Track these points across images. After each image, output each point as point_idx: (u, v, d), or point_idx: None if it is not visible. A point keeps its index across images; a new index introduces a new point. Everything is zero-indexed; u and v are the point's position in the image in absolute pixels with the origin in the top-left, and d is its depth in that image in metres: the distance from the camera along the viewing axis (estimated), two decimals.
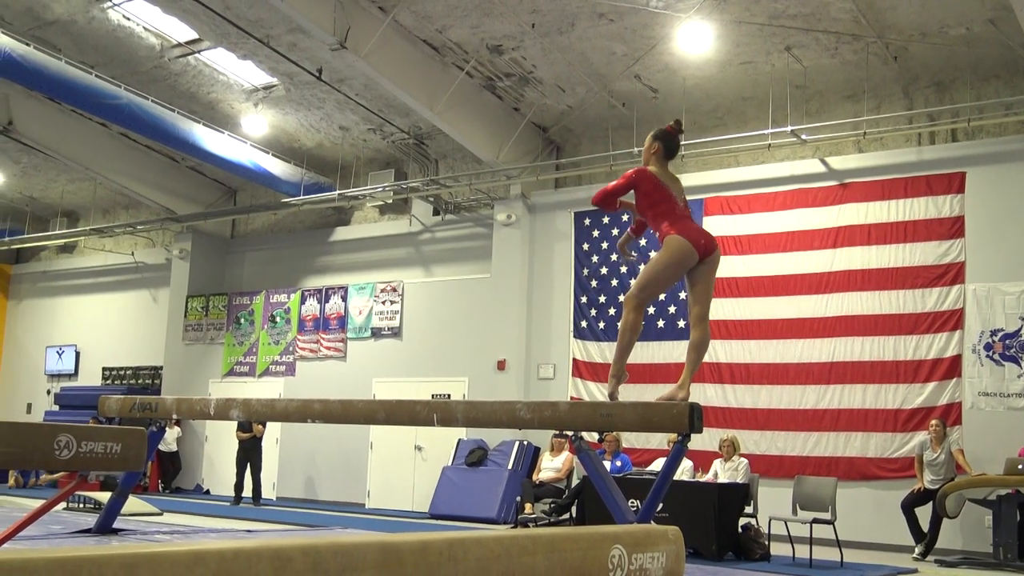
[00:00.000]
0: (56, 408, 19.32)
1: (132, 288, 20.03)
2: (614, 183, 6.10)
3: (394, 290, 16.10)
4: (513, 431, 13.29)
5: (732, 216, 13.05)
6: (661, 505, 6.79)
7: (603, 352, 13.51)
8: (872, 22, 11.31)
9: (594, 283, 14.11)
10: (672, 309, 13.18)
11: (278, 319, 17.33)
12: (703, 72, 12.81)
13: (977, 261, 11.49)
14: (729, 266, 12.88)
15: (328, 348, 16.67)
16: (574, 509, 11.44)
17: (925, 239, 11.79)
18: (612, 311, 13.81)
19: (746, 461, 10.86)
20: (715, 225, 12.97)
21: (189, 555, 1.84)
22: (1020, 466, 9.76)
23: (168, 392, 17.46)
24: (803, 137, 12.45)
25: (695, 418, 5.33)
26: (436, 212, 16.13)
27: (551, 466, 12.78)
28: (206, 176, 18.55)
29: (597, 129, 14.40)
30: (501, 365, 14.34)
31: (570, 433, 5.99)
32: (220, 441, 17.19)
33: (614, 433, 11.71)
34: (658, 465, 11.03)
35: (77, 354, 20.45)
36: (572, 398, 13.54)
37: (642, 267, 6.22)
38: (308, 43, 13.40)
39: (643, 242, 13.25)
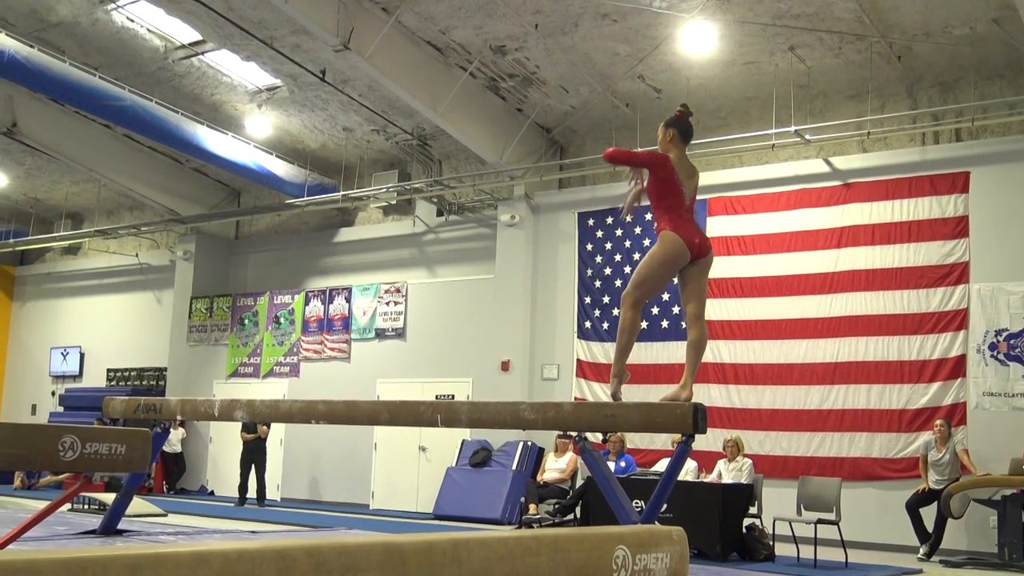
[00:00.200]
0: (61, 409, 19.35)
1: (136, 289, 20.05)
2: (635, 152, 6.08)
3: (398, 291, 16.11)
4: (517, 432, 13.27)
5: (736, 216, 13.04)
6: (665, 506, 6.78)
7: (607, 352, 13.50)
8: (876, 22, 11.30)
9: (598, 283, 14.10)
10: (675, 309, 13.17)
11: (282, 320, 17.34)
12: (707, 72, 12.80)
13: (981, 261, 11.47)
14: (733, 266, 12.88)
15: (332, 349, 16.68)
16: (578, 510, 11.44)
17: (929, 239, 11.78)
18: (616, 311, 13.78)
19: (750, 461, 10.85)
20: (719, 225, 12.99)
21: (193, 556, 1.85)
22: None
23: (172, 393, 17.48)
24: (807, 137, 12.44)
25: (699, 418, 5.33)
26: (440, 213, 16.13)
27: (555, 467, 12.78)
28: (210, 177, 18.57)
29: (601, 130, 14.40)
30: (505, 366, 14.34)
31: (574, 434, 5.99)
32: (224, 442, 17.21)
33: (618, 434, 11.72)
34: (662, 466, 11.03)
35: (81, 355, 20.48)
36: (576, 399, 13.54)
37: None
38: (311, 44, 13.41)
39: (646, 242, 13.25)
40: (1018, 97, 11.49)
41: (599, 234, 14.20)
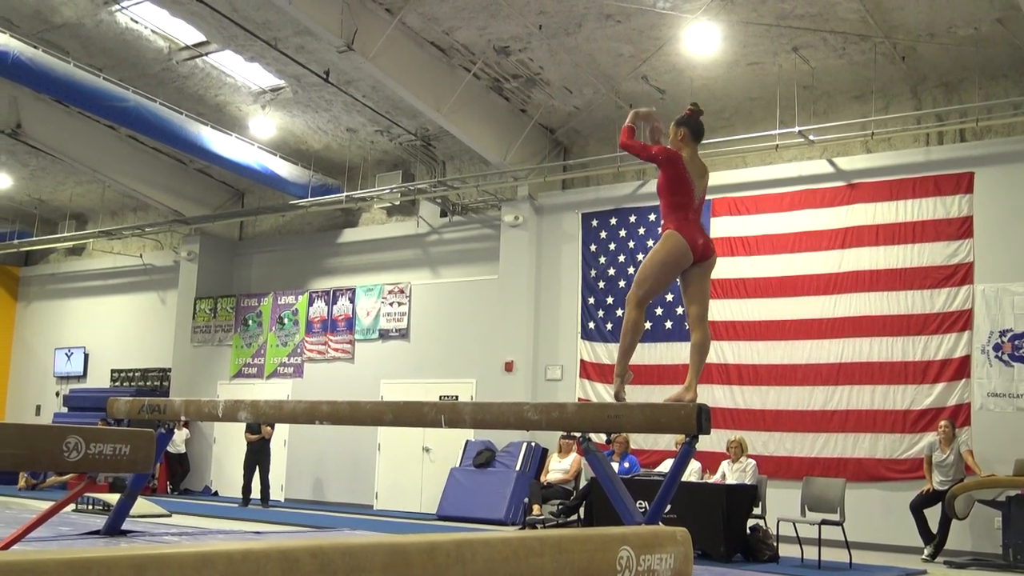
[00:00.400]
0: (65, 410, 19.37)
1: (140, 290, 20.08)
2: (648, 145, 5.96)
3: (402, 291, 16.11)
4: (521, 432, 13.30)
5: (740, 217, 13.03)
6: (669, 506, 6.78)
7: (611, 353, 13.49)
8: (880, 22, 11.29)
9: (601, 284, 14.10)
10: (679, 310, 13.15)
11: (286, 321, 17.36)
12: (710, 73, 12.79)
13: (986, 261, 11.46)
14: (737, 267, 12.88)
15: (336, 350, 16.69)
16: (582, 510, 11.44)
17: (934, 239, 11.76)
18: (619, 312, 13.79)
19: (754, 462, 10.84)
20: (723, 226, 12.98)
21: (197, 556, 1.85)
22: None
23: (176, 394, 17.50)
24: (811, 138, 12.43)
25: (703, 419, 5.33)
26: (443, 213, 16.13)
27: (559, 467, 12.77)
28: (214, 178, 18.59)
29: (604, 130, 14.39)
30: (509, 366, 14.34)
31: (578, 434, 6.00)
32: (228, 443, 17.22)
33: (622, 434, 11.71)
34: (666, 466, 11.03)
35: (86, 356, 20.51)
36: (580, 399, 13.53)
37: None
38: (315, 45, 13.42)
39: (649, 242, 13.25)
40: (1022, 97, 11.47)
41: (603, 235, 14.19)
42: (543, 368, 14.37)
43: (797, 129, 12.23)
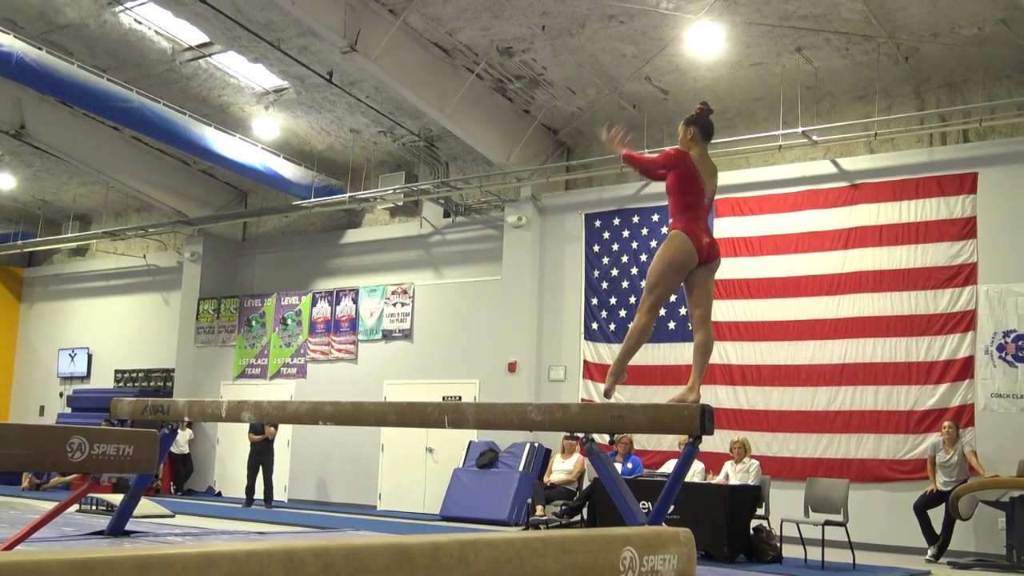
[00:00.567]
0: (69, 410, 19.39)
1: (144, 291, 20.10)
2: (653, 156, 6.02)
3: (405, 292, 16.12)
4: (524, 433, 13.29)
5: (743, 217, 13.03)
6: (672, 507, 6.78)
7: (614, 354, 13.37)
8: (883, 22, 11.28)
9: (604, 285, 14.10)
10: (683, 311, 13.14)
11: (289, 321, 17.37)
12: (713, 73, 12.79)
13: (989, 262, 11.44)
14: (740, 268, 12.87)
15: (339, 350, 16.70)
16: (585, 511, 11.44)
17: (937, 240, 11.75)
18: (623, 313, 13.80)
19: (757, 463, 10.84)
20: (726, 226, 12.97)
21: (201, 557, 1.85)
22: None
23: (180, 394, 17.52)
24: (814, 138, 12.42)
25: (706, 420, 5.32)
26: (447, 214, 16.14)
27: (562, 468, 12.77)
28: (217, 179, 18.61)
29: None
30: (512, 367, 14.34)
31: (581, 435, 5.99)
32: (232, 443, 17.24)
33: (625, 435, 11.71)
34: (669, 467, 11.02)
35: (89, 356, 20.53)
36: (583, 400, 13.53)
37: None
38: (319, 46, 13.43)
39: (653, 243, 13.24)
40: None
41: (606, 235, 14.19)
42: (546, 369, 14.37)
43: (800, 129, 12.22)
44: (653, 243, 13.37)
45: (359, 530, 11.27)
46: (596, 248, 14.26)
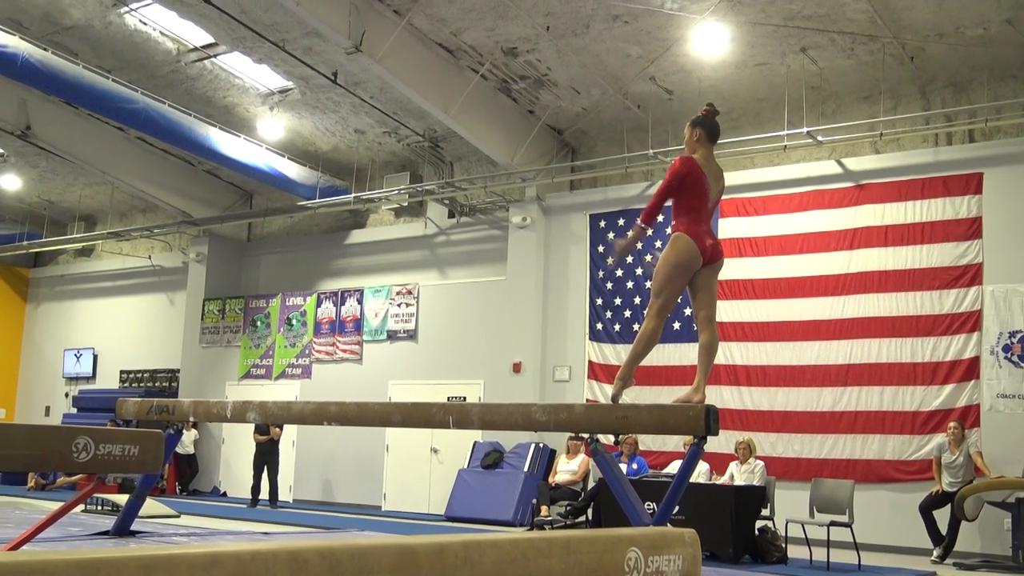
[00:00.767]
0: (74, 411, 19.43)
1: (149, 291, 20.13)
2: (661, 188, 5.87)
3: (409, 293, 16.13)
4: (529, 433, 13.29)
5: (748, 218, 13.01)
6: (677, 508, 6.77)
7: (618, 354, 13.49)
8: (888, 23, 11.27)
9: (609, 285, 14.09)
10: (687, 311, 13.13)
11: (294, 322, 17.38)
12: (718, 74, 12.78)
13: (995, 262, 11.42)
14: (745, 268, 12.86)
15: (344, 351, 16.71)
16: (590, 511, 11.44)
17: (942, 240, 11.73)
18: (627, 313, 13.79)
19: (762, 463, 10.83)
20: (731, 227, 12.96)
21: (206, 557, 1.85)
22: None
23: (185, 395, 17.54)
24: (819, 138, 12.41)
25: (711, 420, 5.32)
26: (451, 215, 16.14)
27: (567, 468, 12.77)
28: (222, 180, 18.63)
29: (612, 131, 14.39)
30: (516, 367, 14.34)
31: (586, 435, 5.99)
32: (237, 443, 17.26)
33: (630, 436, 11.70)
34: (674, 468, 11.02)
35: (95, 357, 20.57)
36: (588, 400, 13.53)
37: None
38: (323, 47, 13.44)
39: (657, 244, 13.23)
40: None
41: (610, 236, 14.18)
42: (551, 369, 14.37)
43: (805, 130, 12.21)
44: (658, 243, 13.35)
45: (364, 530, 11.28)
46: (601, 248, 14.25)
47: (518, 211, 14.84)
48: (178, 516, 11.61)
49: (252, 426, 15.16)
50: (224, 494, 17.40)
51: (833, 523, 9.53)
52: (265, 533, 10.14)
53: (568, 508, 11.95)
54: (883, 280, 12.03)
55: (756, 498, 10.13)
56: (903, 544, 11.10)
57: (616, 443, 11.42)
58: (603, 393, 13.64)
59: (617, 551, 2.76)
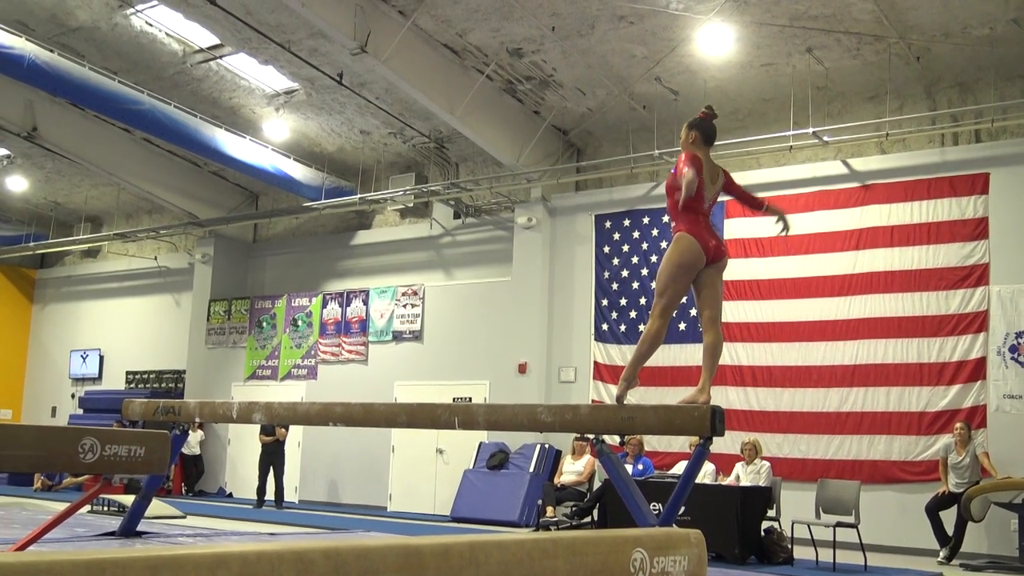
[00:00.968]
0: (80, 412, 19.46)
1: (155, 292, 20.16)
2: (685, 177, 5.59)
3: (415, 293, 16.13)
4: (534, 434, 13.29)
5: (753, 218, 12.98)
6: (683, 508, 6.77)
7: (624, 355, 13.47)
8: (894, 23, 11.25)
9: (615, 286, 14.08)
10: (693, 312, 13.12)
11: (300, 323, 17.40)
12: (724, 74, 12.77)
13: (1001, 262, 11.40)
14: (751, 268, 12.85)
15: (350, 351, 16.72)
16: (596, 512, 11.43)
17: (949, 240, 11.71)
18: (633, 314, 13.78)
19: (768, 464, 10.81)
20: (736, 227, 12.95)
21: (212, 558, 1.86)
22: None
23: (191, 396, 17.57)
24: (825, 139, 12.39)
25: (717, 421, 5.32)
26: (457, 215, 16.14)
27: (572, 469, 12.77)
28: (228, 181, 18.66)
29: (617, 132, 14.39)
30: (522, 368, 14.34)
31: (592, 436, 5.99)
32: (243, 444, 17.27)
33: (636, 436, 11.70)
34: (680, 468, 11.01)
35: (101, 358, 20.61)
36: (593, 401, 13.52)
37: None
38: (329, 48, 13.45)
39: (663, 244, 13.22)
40: None
41: (616, 236, 14.18)
42: (556, 370, 14.37)
43: (811, 130, 12.19)
44: (663, 244, 13.35)
45: (369, 531, 11.29)
46: (606, 249, 14.25)
47: (523, 212, 14.84)
48: (184, 517, 11.63)
49: (258, 427, 15.17)
50: (230, 495, 17.41)
51: (839, 524, 9.51)
52: (271, 534, 10.15)
53: (573, 509, 11.94)
54: (889, 280, 12.01)
55: (762, 499, 10.12)
56: (909, 545, 11.08)
57: (621, 444, 11.44)
58: (608, 394, 13.63)
59: (623, 552, 2.76)
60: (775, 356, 12.59)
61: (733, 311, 12.51)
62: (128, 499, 10.54)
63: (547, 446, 13.75)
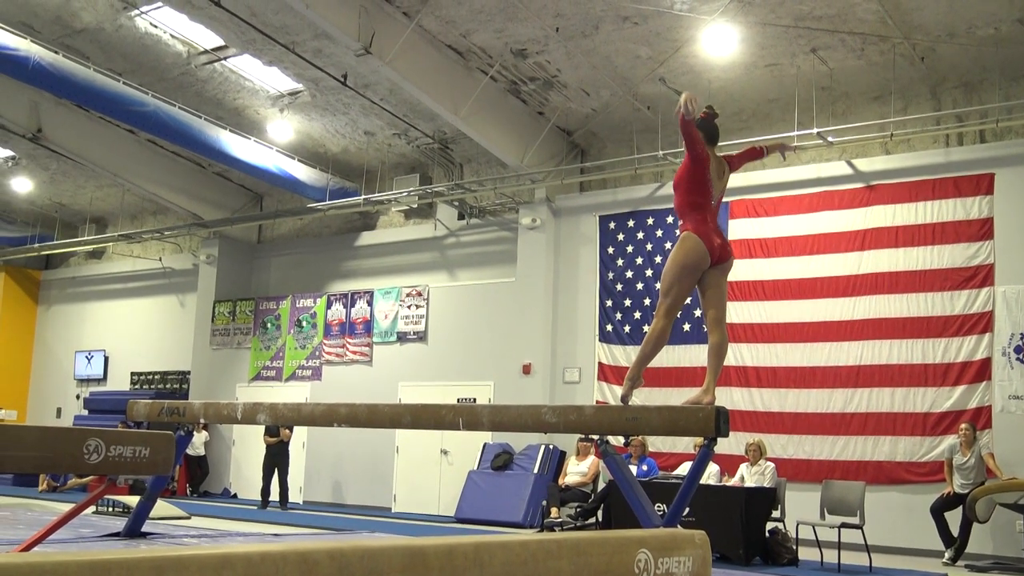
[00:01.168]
0: (85, 412, 19.49)
1: (160, 293, 20.19)
2: (697, 136, 5.80)
3: (419, 294, 16.14)
4: (539, 435, 13.29)
5: (758, 219, 12.99)
6: (688, 509, 6.76)
7: (628, 356, 13.47)
8: (898, 23, 11.24)
9: (619, 286, 14.08)
10: (697, 313, 13.11)
11: (304, 324, 17.41)
12: (728, 75, 12.76)
13: (1006, 263, 11.38)
14: (756, 269, 12.83)
15: (354, 352, 16.72)
16: (600, 513, 11.42)
17: (954, 241, 11.69)
18: (637, 314, 13.78)
19: (773, 465, 10.80)
20: (741, 228, 12.94)
21: (217, 558, 1.86)
22: None
23: (196, 396, 17.58)
24: (829, 139, 12.38)
25: (721, 422, 5.31)
26: (461, 216, 16.15)
27: (577, 470, 12.76)
28: (232, 182, 18.67)
29: (622, 132, 14.38)
30: (526, 369, 14.34)
31: (596, 437, 5.99)
32: (247, 445, 17.29)
33: (640, 437, 11.69)
34: (684, 469, 10.99)
35: (106, 359, 20.63)
36: (598, 402, 13.52)
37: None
38: (333, 49, 13.47)
39: (667, 245, 13.22)
40: None
41: (620, 237, 14.17)
42: (561, 370, 14.37)
43: (815, 131, 12.18)
44: (667, 245, 13.35)
45: (374, 532, 11.29)
46: (611, 250, 14.24)
47: (528, 213, 14.84)
48: (189, 518, 11.64)
49: (262, 428, 15.19)
50: (234, 496, 17.43)
51: (844, 525, 9.50)
52: (275, 535, 10.15)
53: (578, 510, 11.94)
54: (894, 281, 11.99)
55: (766, 500, 10.10)
56: (914, 546, 11.07)
57: (626, 444, 11.42)
58: (613, 394, 13.62)
59: (627, 553, 2.76)
60: (779, 357, 12.58)
61: (737, 312, 12.50)
62: (133, 500, 10.56)
63: (551, 447, 13.75)
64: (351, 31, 12.06)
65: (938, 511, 10.49)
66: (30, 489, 16.85)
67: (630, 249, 14.06)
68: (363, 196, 16.30)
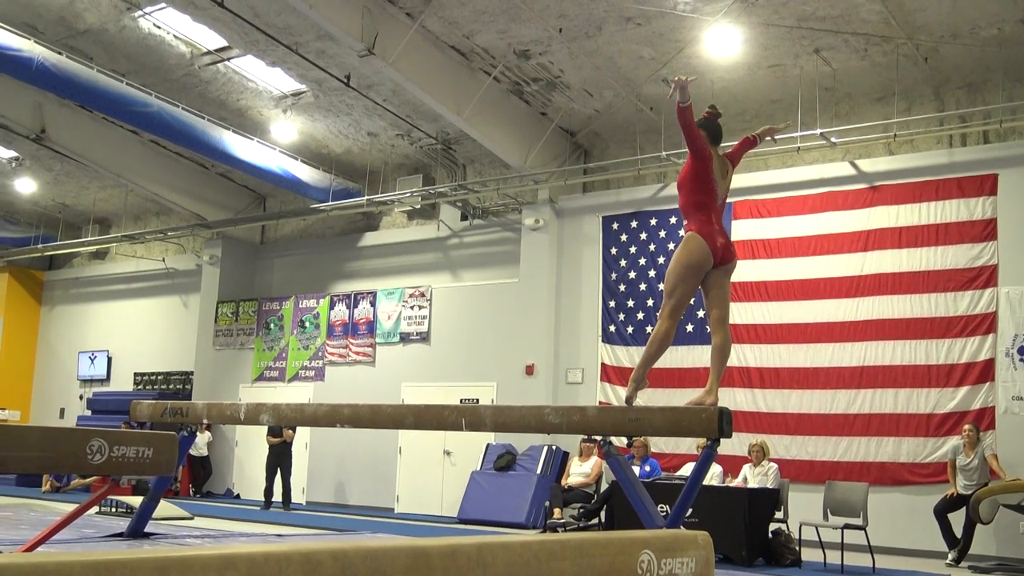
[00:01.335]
0: (88, 413, 19.51)
1: (163, 294, 20.20)
2: (697, 129, 5.85)
3: (422, 295, 16.14)
4: (542, 436, 13.28)
5: (761, 220, 12.98)
6: (691, 510, 6.77)
7: (631, 356, 13.46)
8: (902, 23, 11.23)
9: (622, 287, 14.07)
10: (700, 313, 13.10)
11: (307, 324, 17.42)
12: (731, 75, 12.76)
13: (1010, 264, 11.36)
14: (759, 270, 12.83)
15: (357, 353, 16.73)
16: (603, 514, 11.42)
17: (957, 242, 11.68)
18: (640, 315, 13.77)
19: (776, 466, 10.79)
20: (744, 229, 12.93)
21: (220, 559, 1.86)
22: None
23: (199, 397, 17.59)
24: (832, 140, 12.37)
25: (724, 423, 5.31)
26: (464, 217, 16.16)
27: (580, 471, 12.76)
28: (236, 182, 18.69)
29: (625, 133, 14.38)
30: (529, 370, 14.34)
31: (599, 438, 5.99)
32: (250, 446, 17.30)
33: (643, 438, 11.69)
34: (687, 470, 10.99)
35: (109, 359, 20.65)
36: (600, 403, 13.51)
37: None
38: (336, 50, 13.47)
39: (670, 245, 13.21)
40: None
41: (623, 238, 14.17)
42: (564, 371, 14.36)
43: (819, 131, 12.17)
44: (671, 245, 13.34)
45: (377, 532, 11.29)
46: (613, 250, 14.24)
47: (531, 213, 14.84)
48: (192, 518, 11.64)
49: (265, 428, 15.19)
50: (237, 496, 17.44)
51: (847, 526, 9.50)
52: (278, 535, 10.16)
53: (581, 510, 11.93)
54: (897, 282, 11.98)
55: (770, 501, 10.10)
56: (917, 547, 11.06)
57: (628, 445, 11.41)
58: (616, 395, 13.62)
59: (630, 553, 2.76)
60: (783, 358, 12.57)
61: (741, 313, 12.49)
62: (136, 500, 10.56)
63: (554, 448, 13.75)
64: (354, 32, 12.07)
65: (941, 512, 10.48)
66: (33, 489, 16.87)
67: (633, 250, 14.05)
68: (366, 197, 16.31)
